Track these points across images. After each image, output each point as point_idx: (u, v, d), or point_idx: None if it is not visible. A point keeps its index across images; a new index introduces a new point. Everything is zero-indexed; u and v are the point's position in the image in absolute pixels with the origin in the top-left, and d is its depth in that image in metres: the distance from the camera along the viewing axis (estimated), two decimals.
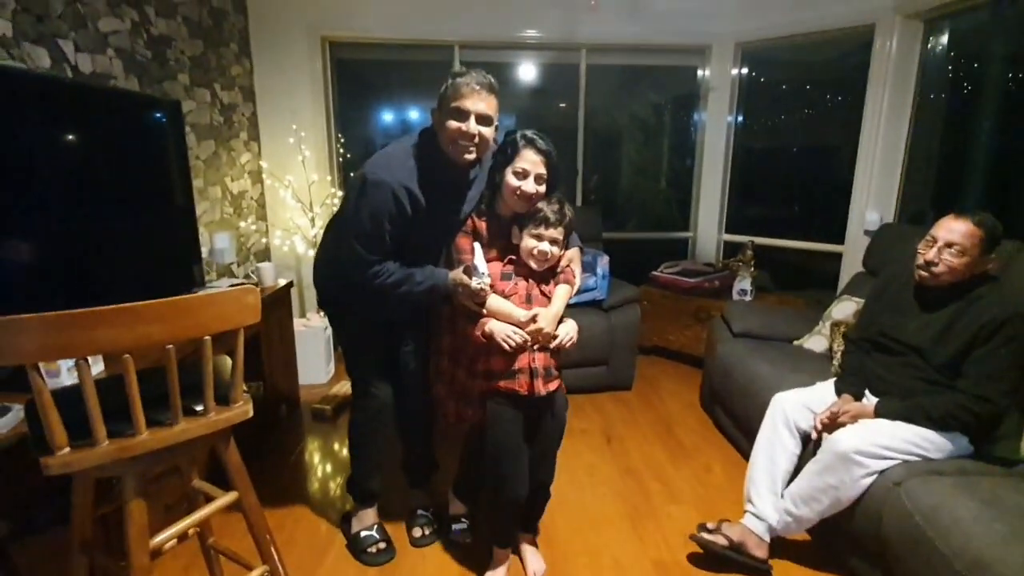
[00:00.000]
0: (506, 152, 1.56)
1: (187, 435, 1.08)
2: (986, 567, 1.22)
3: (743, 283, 3.15)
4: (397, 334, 1.75)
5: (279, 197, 3.38)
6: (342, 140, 3.60)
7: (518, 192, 1.54)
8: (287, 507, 2.04)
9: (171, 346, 1.01)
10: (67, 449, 0.97)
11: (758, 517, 1.74)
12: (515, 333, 1.51)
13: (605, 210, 3.85)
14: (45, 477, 1.28)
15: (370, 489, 1.88)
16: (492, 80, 1.50)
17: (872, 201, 3.04)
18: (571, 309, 3.10)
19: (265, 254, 3.48)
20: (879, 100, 2.95)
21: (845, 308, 2.43)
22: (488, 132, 1.51)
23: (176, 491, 1.72)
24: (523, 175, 1.53)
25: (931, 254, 1.65)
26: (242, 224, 3.17)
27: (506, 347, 1.50)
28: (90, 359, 1.36)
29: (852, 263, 3.06)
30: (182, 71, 2.65)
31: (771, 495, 1.75)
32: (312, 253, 3.36)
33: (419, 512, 1.93)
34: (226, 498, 1.22)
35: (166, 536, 1.13)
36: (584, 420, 2.74)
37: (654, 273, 3.53)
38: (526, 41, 3.54)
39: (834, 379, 1.90)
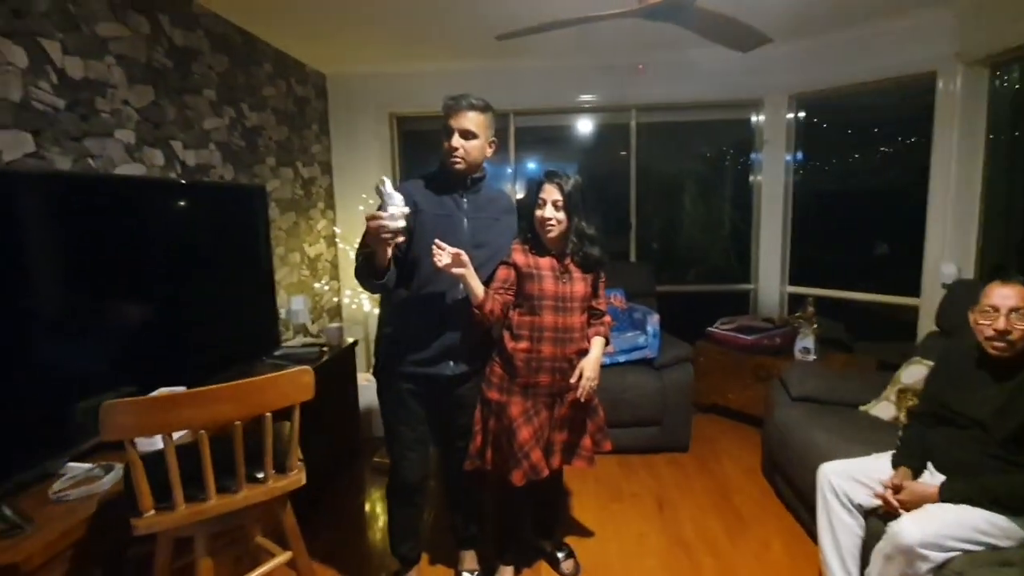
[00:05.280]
0: (533, 191, 1.77)
1: (249, 501, 1.23)
2: None
3: (805, 341, 3.02)
4: (447, 407, 1.82)
5: (350, 259, 3.67)
6: None
7: (540, 219, 1.73)
8: (344, 558, 2.15)
9: (239, 423, 1.17)
10: (152, 512, 1.14)
11: None
12: None
13: (663, 263, 3.86)
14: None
15: (402, 554, 1.95)
16: (476, 100, 1.69)
17: (947, 252, 2.86)
18: (622, 367, 3.07)
19: (336, 311, 3.77)
20: (948, 144, 2.81)
21: (915, 372, 2.28)
22: (472, 145, 1.70)
23: (242, 546, 1.88)
24: (543, 205, 1.73)
25: (1001, 323, 1.57)
26: (316, 285, 3.47)
27: None
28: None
29: (929, 316, 2.86)
30: (270, 154, 3.02)
31: None
32: (377, 311, 3.62)
33: (464, 574, 1.98)
34: (282, 557, 1.36)
35: None
36: (636, 483, 2.69)
37: (710, 329, 3.47)
38: (578, 105, 3.72)
39: (892, 452, 1.79)
